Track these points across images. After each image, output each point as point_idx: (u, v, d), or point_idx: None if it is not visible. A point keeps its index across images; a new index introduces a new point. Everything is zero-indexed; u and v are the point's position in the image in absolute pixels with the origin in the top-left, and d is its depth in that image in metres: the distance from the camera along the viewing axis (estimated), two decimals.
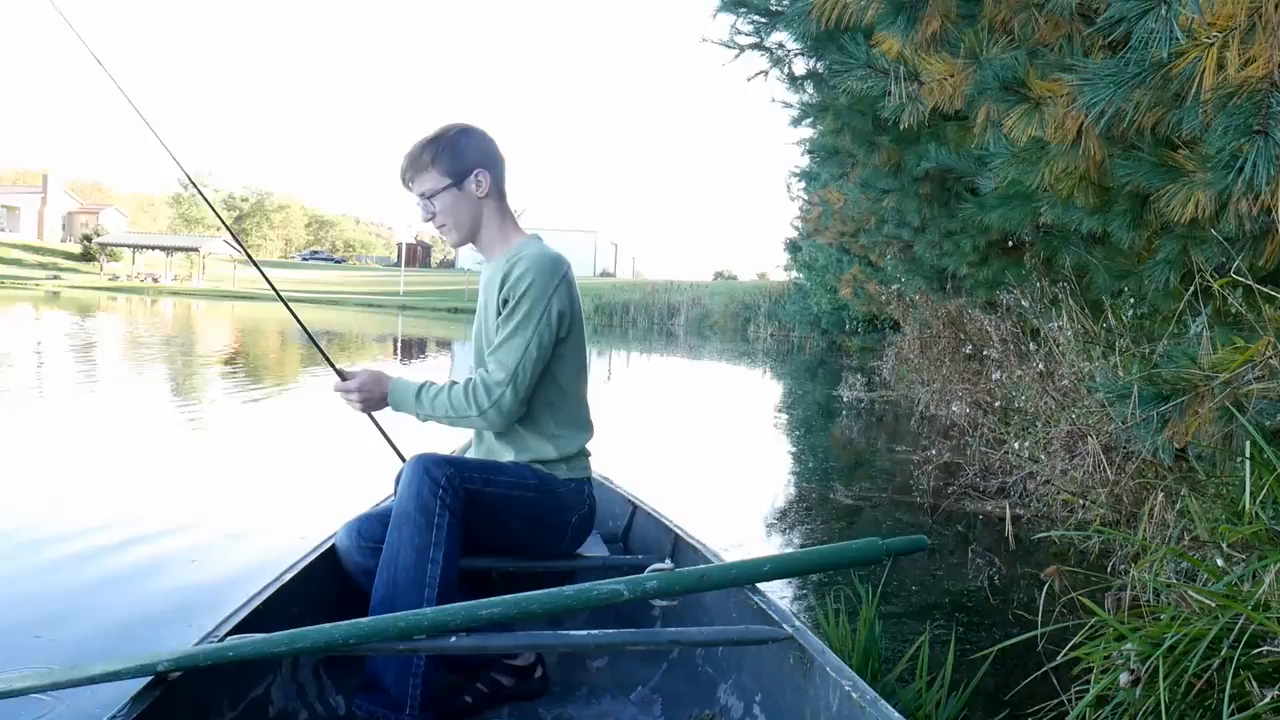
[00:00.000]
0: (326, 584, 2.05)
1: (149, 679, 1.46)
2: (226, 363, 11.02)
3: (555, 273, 2.05)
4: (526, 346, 2.01)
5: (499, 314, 2.07)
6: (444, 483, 1.89)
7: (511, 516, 2.06)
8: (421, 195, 2.12)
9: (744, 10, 4.91)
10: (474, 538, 2.02)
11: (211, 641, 1.57)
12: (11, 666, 2.19)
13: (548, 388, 2.11)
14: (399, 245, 71.83)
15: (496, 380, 2.01)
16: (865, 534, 4.01)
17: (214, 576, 3.00)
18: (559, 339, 2.07)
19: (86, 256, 56.97)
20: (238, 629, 1.67)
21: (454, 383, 2.08)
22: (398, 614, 1.60)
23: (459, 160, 2.09)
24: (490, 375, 2.02)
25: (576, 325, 2.13)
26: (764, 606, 1.83)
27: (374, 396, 2.12)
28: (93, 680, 1.44)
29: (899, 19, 2.34)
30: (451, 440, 2.96)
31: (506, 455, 2.15)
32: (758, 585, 1.91)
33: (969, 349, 7.25)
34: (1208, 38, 1.40)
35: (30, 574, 2.96)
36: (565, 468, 2.14)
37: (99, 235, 59.24)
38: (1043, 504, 4.27)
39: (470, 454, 2.29)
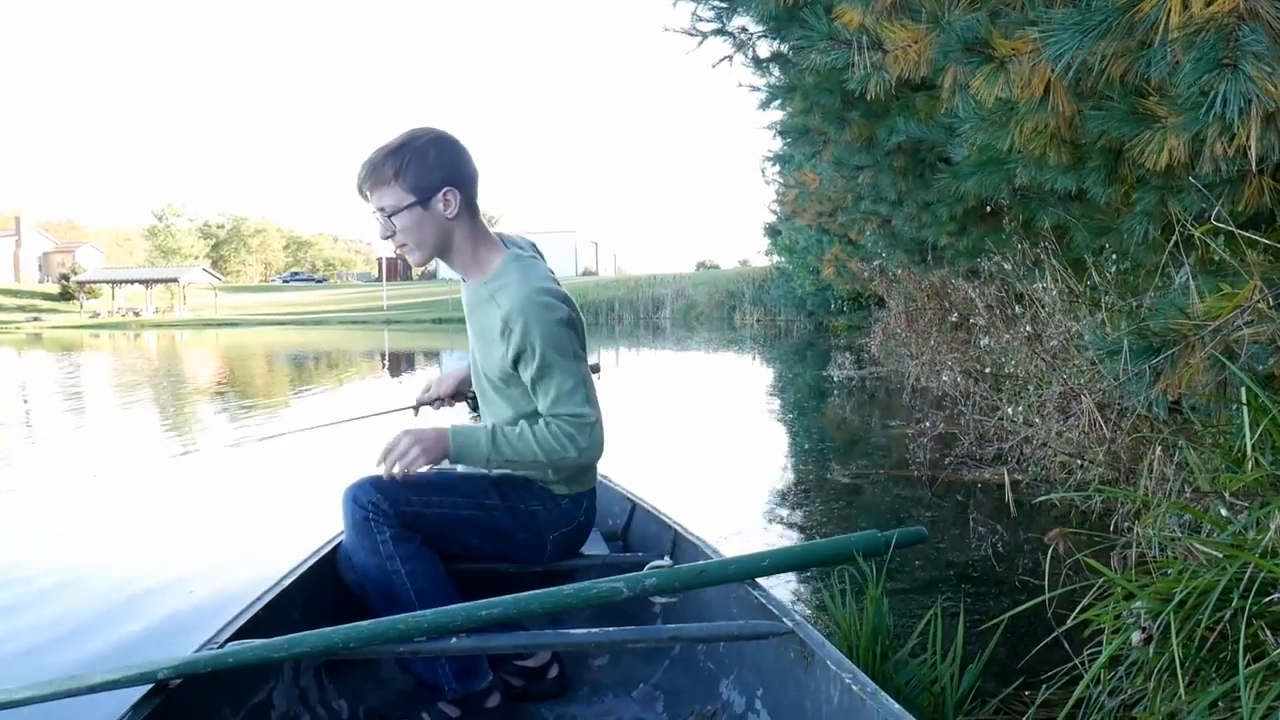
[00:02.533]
0: (326, 589, 2.03)
1: (149, 686, 1.45)
2: (220, 390, 10.94)
3: (548, 301, 1.89)
4: (578, 376, 1.89)
5: (510, 360, 1.90)
6: (371, 507, 1.85)
7: (469, 533, 1.98)
8: (380, 210, 1.88)
9: None
10: (442, 550, 1.97)
11: (212, 648, 1.56)
12: (11, 679, 2.16)
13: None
14: (379, 260, 71.61)
15: (584, 420, 1.88)
16: (865, 513, 4.04)
17: (216, 593, 2.96)
18: None
19: (65, 296, 56.73)
20: (238, 635, 1.65)
21: (524, 425, 1.92)
22: (397, 617, 1.60)
23: (426, 175, 1.85)
24: (575, 415, 1.88)
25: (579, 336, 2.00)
26: (764, 601, 1.81)
27: (434, 448, 1.89)
28: (93, 689, 1.43)
29: None
30: None
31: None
32: (758, 580, 1.89)
33: (955, 318, 7.25)
34: None
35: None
36: (564, 486, 2.04)
37: (76, 273, 59.06)
38: (1040, 467, 4.26)
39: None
